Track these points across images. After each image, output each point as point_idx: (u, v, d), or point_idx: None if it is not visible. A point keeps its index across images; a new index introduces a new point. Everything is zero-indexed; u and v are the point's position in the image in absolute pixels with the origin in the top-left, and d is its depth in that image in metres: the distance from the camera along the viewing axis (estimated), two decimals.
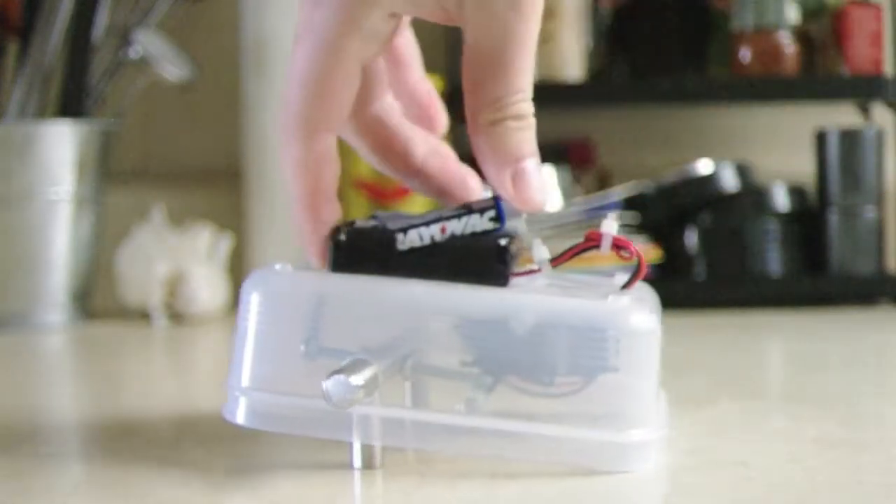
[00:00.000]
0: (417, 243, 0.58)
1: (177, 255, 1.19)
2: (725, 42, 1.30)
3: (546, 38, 1.24)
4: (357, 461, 0.57)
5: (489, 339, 0.56)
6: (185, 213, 1.32)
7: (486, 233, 0.59)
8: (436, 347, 0.56)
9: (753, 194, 1.24)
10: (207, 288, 1.18)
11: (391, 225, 0.58)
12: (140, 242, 1.20)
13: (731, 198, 1.24)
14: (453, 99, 1.25)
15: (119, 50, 1.24)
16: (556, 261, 0.61)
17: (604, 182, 1.34)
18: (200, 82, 1.30)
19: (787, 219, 1.24)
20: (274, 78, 1.28)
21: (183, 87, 1.26)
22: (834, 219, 1.23)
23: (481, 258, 0.58)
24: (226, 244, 1.22)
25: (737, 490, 0.53)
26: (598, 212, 1.22)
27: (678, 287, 1.22)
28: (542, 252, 0.61)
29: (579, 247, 0.62)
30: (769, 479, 0.54)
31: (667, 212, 1.25)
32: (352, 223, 0.59)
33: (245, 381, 0.58)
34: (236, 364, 0.58)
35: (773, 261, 1.23)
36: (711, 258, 1.23)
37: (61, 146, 1.16)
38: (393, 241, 0.58)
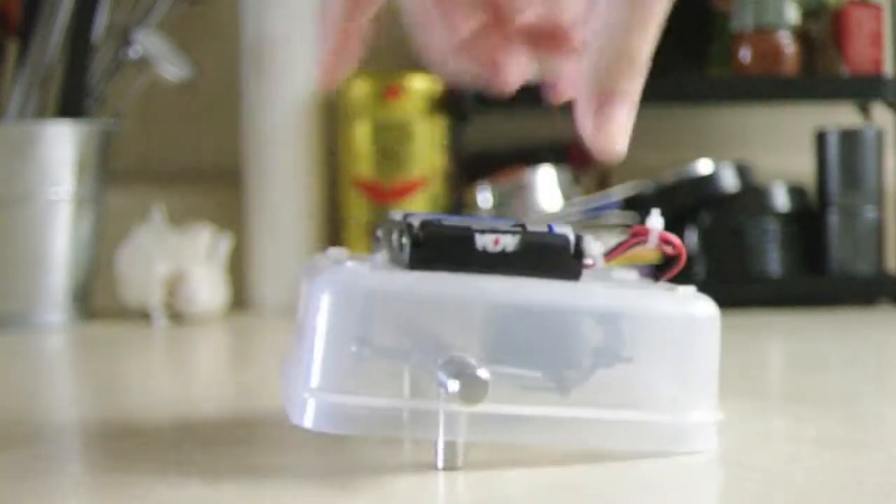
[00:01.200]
0: (491, 246, 0.59)
1: (177, 255, 1.19)
2: (725, 42, 1.30)
3: None
4: (440, 461, 0.56)
5: (566, 335, 0.58)
6: (185, 213, 1.32)
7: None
8: (512, 345, 0.57)
9: (753, 194, 1.24)
10: (207, 288, 1.18)
11: (472, 225, 0.59)
12: (140, 242, 1.20)
13: (731, 198, 1.24)
14: (454, 99, 1.25)
15: (119, 50, 1.24)
16: (608, 256, 0.65)
17: (604, 182, 1.34)
18: (200, 82, 1.30)
19: (787, 219, 1.24)
20: (274, 78, 1.28)
21: (183, 87, 1.26)
22: (834, 219, 1.23)
23: (555, 253, 0.61)
24: (226, 244, 1.22)
25: (737, 490, 0.53)
26: (599, 212, 1.22)
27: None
28: (595, 248, 0.64)
29: (629, 242, 0.65)
30: (769, 479, 0.54)
31: (667, 212, 1.24)
32: (419, 218, 0.60)
33: (314, 381, 0.55)
34: (305, 365, 0.56)
35: (773, 261, 1.23)
36: (711, 258, 1.23)
37: (61, 146, 1.16)
38: (472, 240, 0.59)
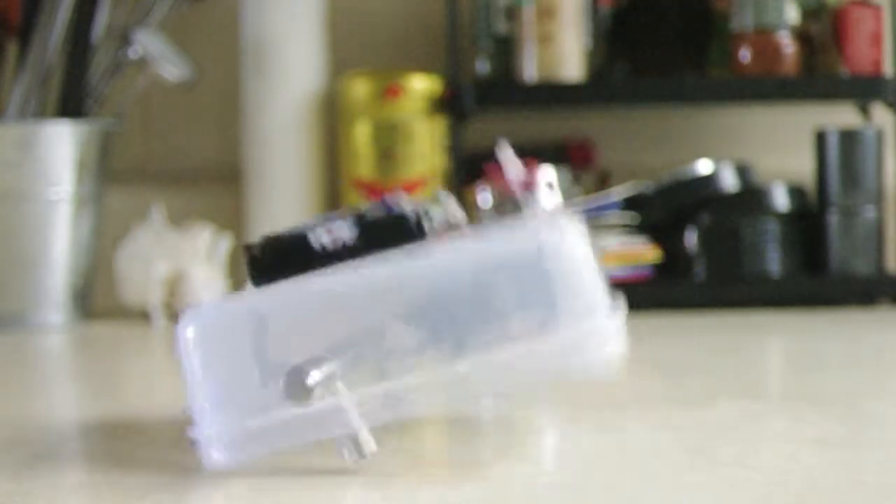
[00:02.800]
0: (328, 242, 0.58)
1: (177, 255, 1.19)
2: (725, 42, 1.30)
3: (546, 38, 1.24)
4: (350, 453, 0.56)
5: (434, 301, 0.56)
6: (185, 213, 1.32)
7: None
8: (385, 329, 0.56)
9: (753, 194, 1.24)
10: (207, 288, 1.18)
11: (305, 227, 0.59)
12: (140, 242, 1.20)
13: (731, 198, 1.24)
14: (454, 99, 1.25)
15: (119, 50, 1.24)
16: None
17: (604, 182, 1.34)
18: (200, 82, 1.30)
19: (787, 219, 1.24)
20: (274, 78, 1.28)
21: (183, 87, 1.26)
22: (833, 219, 1.23)
23: (396, 232, 0.59)
24: (226, 244, 1.22)
25: (737, 490, 0.53)
26: (599, 212, 1.22)
27: (678, 287, 1.22)
28: (458, 213, 0.61)
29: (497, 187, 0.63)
30: (769, 479, 0.55)
31: (667, 212, 1.25)
32: (266, 236, 0.60)
33: (209, 430, 0.56)
34: (198, 413, 0.57)
35: (773, 261, 1.23)
36: (711, 258, 1.23)
37: (61, 146, 1.16)
38: (306, 241, 0.59)
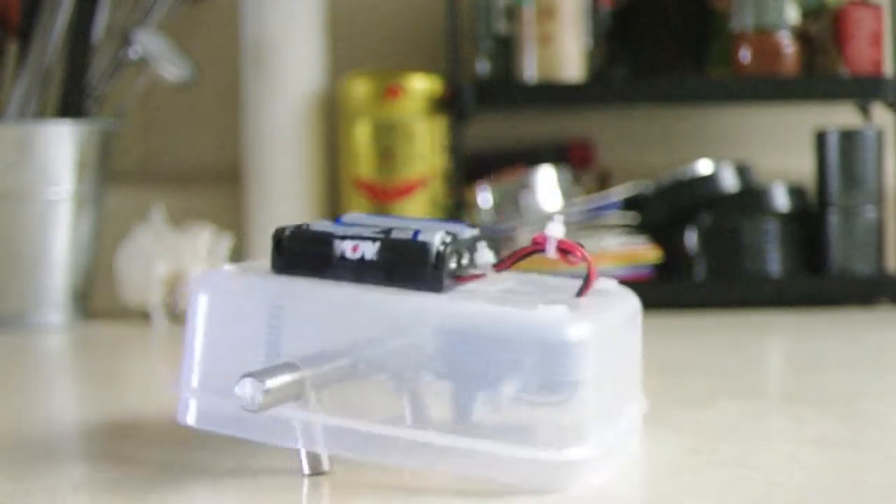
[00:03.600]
0: (350, 253, 0.58)
1: (177, 255, 1.19)
2: (725, 42, 1.30)
3: (546, 38, 1.24)
4: (305, 467, 0.56)
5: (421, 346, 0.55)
6: (185, 213, 1.32)
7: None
8: (369, 353, 0.56)
9: (753, 194, 1.24)
10: None
11: (335, 231, 0.58)
12: (140, 242, 1.20)
13: (731, 198, 1.24)
14: (453, 99, 1.25)
15: (119, 50, 1.24)
16: (499, 265, 0.59)
17: (604, 182, 1.34)
18: (200, 82, 1.30)
19: (787, 219, 1.24)
20: (274, 78, 1.28)
21: (183, 87, 1.26)
22: (834, 219, 1.23)
23: (413, 263, 0.57)
24: (226, 244, 1.22)
25: (737, 490, 0.53)
26: (598, 212, 1.22)
27: (678, 287, 1.22)
28: (485, 256, 0.59)
29: (525, 250, 0.59)
30: (769, 479, 0.55)
31: (667, 212, 1.25)
32: (300, 225, 0.60)
33: (195, 382, 0.58)
34: (186, 366, 0.58)
35: (773, 261, 1.23)
36: (711, 258, 1.23)
37: (61, 146, 1.16)
38: (330, 246, 0.58)
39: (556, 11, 1.24)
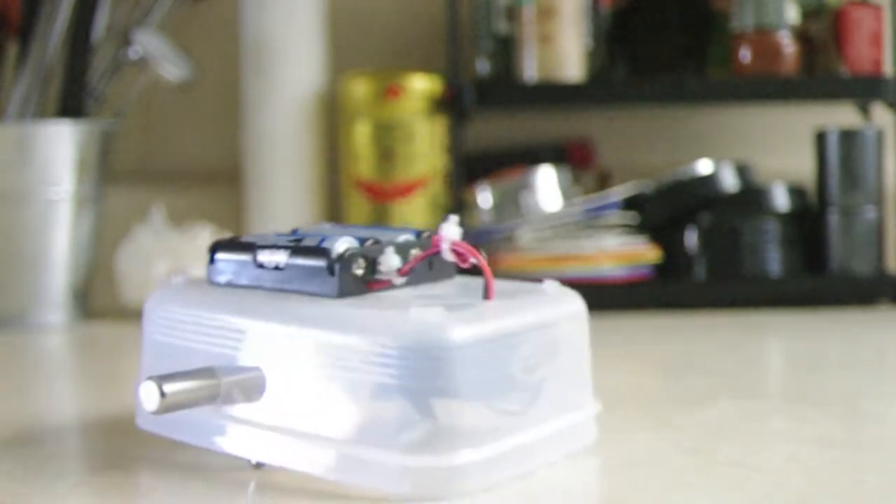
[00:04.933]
0: (268, 261, 0.59)
1: (177, 255, 1.19)
2: (725, 42, 1.30)
3: (546, 38, 1.24)
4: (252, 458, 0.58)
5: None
6: (185, 213, 1.32)
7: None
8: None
9: (753, 194, 1.24)
10: None
11: (259, 241, 0.60)
12: (140, 242, 1.20)
13: (731, 198, 1.24)
14: (453, 99, 1.25)
15: (119, 50, 1.24)
16: (402, 270, 0.58)
17: (604, 182, 1.34)
18: (200, 82, 1.30)
19: (787, 219, 1.24)
20: (274, 78, 1.28)
21: (183, 87, 1.26)
22: (834, 219, 1.23)
23: (313, 270, 0.58)
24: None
25: (737, 490, 0.53)
26: (599, 212, 1.22)
27: (678, 287, 1.22)
28: (391, 262, 0.58)
29: (424, 254, 0.59)
30: (769, 479, 0.55)
31: (667, 212, 1.25)
32: (234, 237, 0.62)
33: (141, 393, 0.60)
34: (140, 374, 0.61)
35: (773, 261, 1.23)
36: (711, 258, 1.23)
37: (61, 146, 1.16)
38: (255, 256, 0.60)
39: (556, 11, 1.24)
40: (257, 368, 0.56)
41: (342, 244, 0.57)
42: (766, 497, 0.52)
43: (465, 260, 0.57)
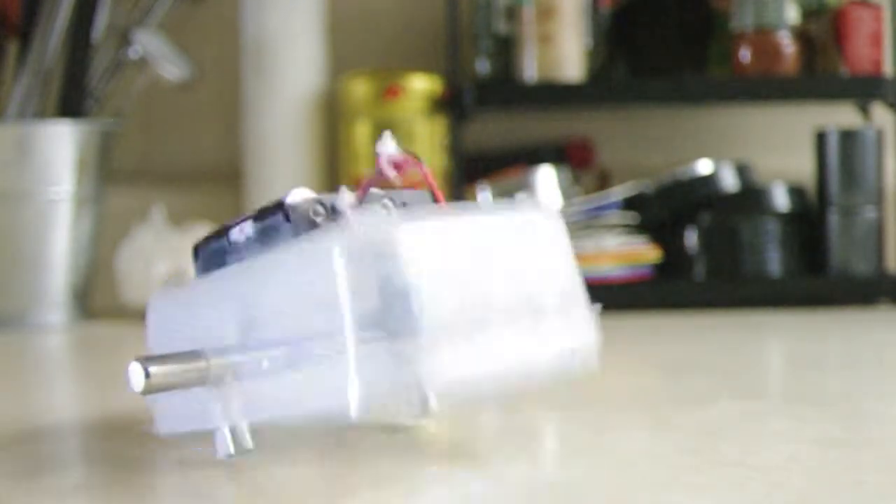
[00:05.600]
0: (238, 236, 0.59)
1: (177, 255, 1.19)
2: (725, 42, 1.30)
3: (546, 38, 1.24)
4: (230, 448, 0.57)
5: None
6: (185, 213, 1.32)
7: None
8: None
9: (753, 194, 1.24)
10: None
11: (227, 223, 0.60)
12: (140, 242, 1.20)
13: (731, 198, 1.24)
14: (453, 99, 1.25)
15: (119, 50, 1.24)
16: (358, 197, 0.58)
17: (604, 182, 1.34)
18: (200, 82, 1.30)
19: (787, 219, 1.24)
20: (274, 78, 1.28)
21: (183, 87, 1.26)
22: (834, 219, 1.23)
23: (274, 224, 0.58)
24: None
25: (737, 490, 0.53)
26: (598, 212, 1.22)
27: (678, 287, 1.22)
28: (345, 199, 0.58)
29: (371, 178, 0.59)
30: (769, 479, 0.55)
31: (667, 212, 1.25)
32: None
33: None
34: None
35: (773, 261, 1.23)
36: (711, 258, 1.23)
37: (61, 146, 1.16)
38: (228, 235, 0.60)
39: (556, 11, 1.24)
40: (243, 347, 0.56)
41: (297, 195, 0.57)
42: (766, 497, 0.52)
43: (403, 171, 0.57)
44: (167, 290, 0.64)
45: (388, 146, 0.58)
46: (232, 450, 0.57)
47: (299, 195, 0.57)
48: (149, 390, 0.55)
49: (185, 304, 0.61)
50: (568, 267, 0.58)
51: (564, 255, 0.59)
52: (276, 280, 0.55)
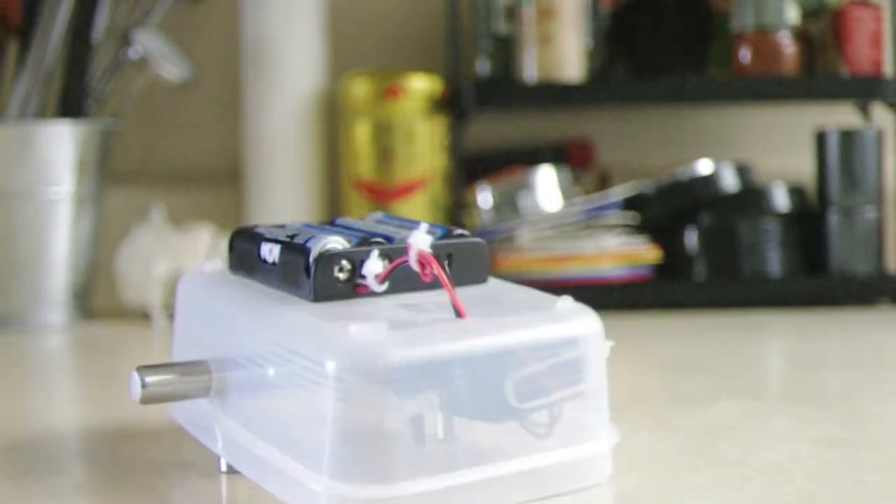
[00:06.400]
0: (267, 255, 0.57)
1: (177, 255, 1.19)
2: (725, 42, 1.30)
3: (546, 38, 1.24)
4: (222, 465, 0.57)
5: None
6: (185, 213, 1.32)
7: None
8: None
9: (753, 194, 1.24)
10: None
11: (267, 234, 0.59)
12: (140, 242, 1.20)
13: (731, 198, 1.24)
14: (453, 99, 1.25)
15: (119, 50, 1.24)
16: (380, 276, 0.54)
17: (604, 182, 1.34)
18: (200, 82, 1.30)
19: (787, 219, 1.24)
20: (274, 78, 1.28)
21: (183, 87, 1.26)
22: (834, 219, 1.23)
23: (293, 270, 0.55)
24: (226, 244, 1.22)
25: (737, 490, 0.53)
26: (598, 212, 1.22)
27: (678, 287, 1.22)
28: (373, 267, 0.54)
29: (397, 262, 0.54)
30: (769, 479, 0.55)
31: (667, 212, 1.25)
32: (254, 226, 0.61)
33: None
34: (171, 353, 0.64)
35: (773, 261, 1.23)
36: (711, 258, 1.23)
37: (61, 146, 1.16)
38: (259, 249, 0.58)
39: (556, 11, 1.24)
40: (244, 365, 0.55)
41: (324, 244, 0.54)
42: (766, 497, 0.52)
43: (426, 270, 0.53)
44: (201, 273, 0.63)
45: (422, 240, 0.53)
46: (224, 468, 0.57)
47: (325, 244, 0.54)
48: (146, 400, 0.55)
49: (206, 297, 0.61)
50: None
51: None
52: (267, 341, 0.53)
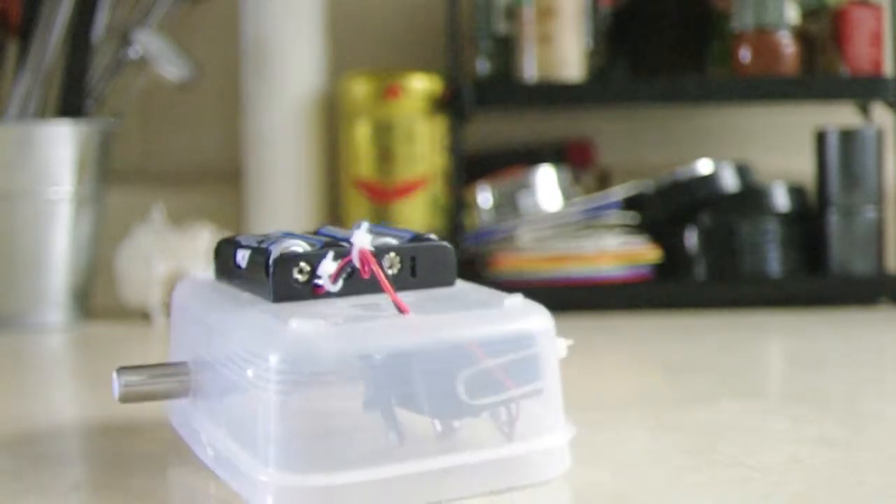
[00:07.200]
0: (241, 261, 0.59)
1: (177, 255, 1.19)
2: (725, 42, 1.30)
3: (546, 38, 1.24)
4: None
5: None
6: (185, 213, 1.32)
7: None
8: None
9: (753, 194, 1.24)
10: None
11: (244, 241, 0.60)
12: (140, 242, 1.20)
13: (731, 198, 1.24)
14: (454, 99, 1.25)
15: (119, 50, 1.24)
16: (332, 276, 0.54)
17: (604, 182, 1.34)
18: (200, 82, 1.30)
19: (787, 219, 1.24)
20: (274, 78, 1.28)
21: (183, 87, 1.26)
22: (833, 219, 1.23)
23: (256, 273, 0.57)
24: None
25: (737, 490, 0.53)
26: (598, 212, 1.22)
27: (678, 287, 1.22)
28: (326, 268, 0.55)
29: (344, 261, 0.55)
30: (769, 479, 0.55)
31: (667, 212, 1.25)
32: (235, 236, 0.63)
33: None
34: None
35: (773, 261, 1.23)
36: (711, 258, 1.23)
37: (61, 146, 1.16)
38: (235, 255, 0.60)
39: (556, 11, 1.24)
40: (213, 364, 0.57)
41: (285, 247, 0.56)
42: (766, 497, 0.52)
43: (365, 267, 0.54)
44: (192, 280, 0.65)
45: (362, 238, 0.54)
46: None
47: (285, 247, 0.56)
48: (125, 399, 0.57)
49: (190, 303, 0.63)
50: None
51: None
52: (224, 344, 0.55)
